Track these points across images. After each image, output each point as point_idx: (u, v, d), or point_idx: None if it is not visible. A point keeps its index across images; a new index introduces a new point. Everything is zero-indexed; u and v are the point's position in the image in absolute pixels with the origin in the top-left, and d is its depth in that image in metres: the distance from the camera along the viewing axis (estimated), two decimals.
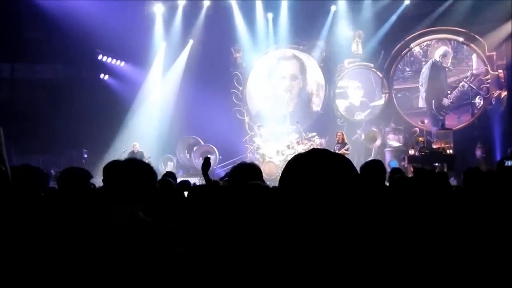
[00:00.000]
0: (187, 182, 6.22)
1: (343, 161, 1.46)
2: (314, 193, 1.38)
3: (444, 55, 16.88)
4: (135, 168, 2.53)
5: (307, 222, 1.39)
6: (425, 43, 17.04)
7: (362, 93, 17.62)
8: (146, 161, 2.79)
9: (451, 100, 16.66)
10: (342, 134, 14.38)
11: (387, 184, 5.90)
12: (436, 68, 16.96)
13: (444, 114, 16.57)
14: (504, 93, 15.68)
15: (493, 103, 15.92)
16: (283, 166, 1.51)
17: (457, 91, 16.61)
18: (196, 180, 12.19)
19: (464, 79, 16.53)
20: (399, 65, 17.34)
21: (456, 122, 16.36)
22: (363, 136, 16.96)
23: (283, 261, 1.40)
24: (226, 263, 1.64)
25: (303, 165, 1.45)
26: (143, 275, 2.14)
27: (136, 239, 2.20)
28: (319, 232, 1.38)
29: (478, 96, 16.31)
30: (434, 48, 16.98)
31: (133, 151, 14.54)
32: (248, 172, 3.07)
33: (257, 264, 1.49)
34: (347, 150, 13.78)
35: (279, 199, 1.46)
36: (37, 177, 3.93)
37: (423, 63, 17.16)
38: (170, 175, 6.08)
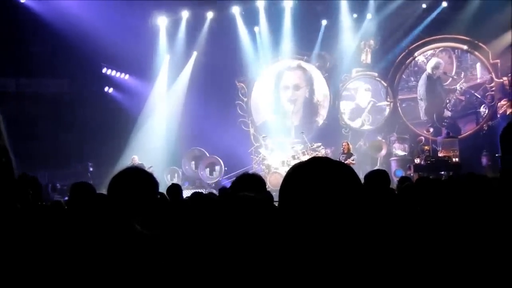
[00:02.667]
0: (200, 193, 5.92)
1: (344, 169, 1.43)
2: (314, 203, 1.36)
3: (436, 67, 16.91)
4: (134, 177, 2.47)
5: (307, 234, 1.37)
6: (429, 52, 17.03)
7: (369, 94, 17.63)
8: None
9: (451, 110, 16.63)
10: (348, 144, 14.27)
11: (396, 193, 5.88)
12: (432, 80, 16.98)
13: (445, 125, 16.53)
14: (510, 110, 15.62)
15: (498, 115, 15.89)
16: None
17: (461, 100, 16.57)
18: (202, 192, 12.17)
19: (468, 88, 16.51)
20: (403, 75, 17.31)
21: (461, 131, 16.33)
22: (367, 144, 16.94)
23: (282, 274, 1.38)
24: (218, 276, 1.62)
25: (303, 174, 1.42)
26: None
27: (132, 252, 2.19)
28: (319, 244, 1.36)
29: (483, 105, 16.27)
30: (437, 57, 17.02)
31: (132, 164, 14.49)
32: (250, 183, 3.05)
33: (252, 277, 1.47)
34: (353, 160, 13.67)
35: (279, 210, 1.44)
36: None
37: None
38: (175, 187, 6.05)
